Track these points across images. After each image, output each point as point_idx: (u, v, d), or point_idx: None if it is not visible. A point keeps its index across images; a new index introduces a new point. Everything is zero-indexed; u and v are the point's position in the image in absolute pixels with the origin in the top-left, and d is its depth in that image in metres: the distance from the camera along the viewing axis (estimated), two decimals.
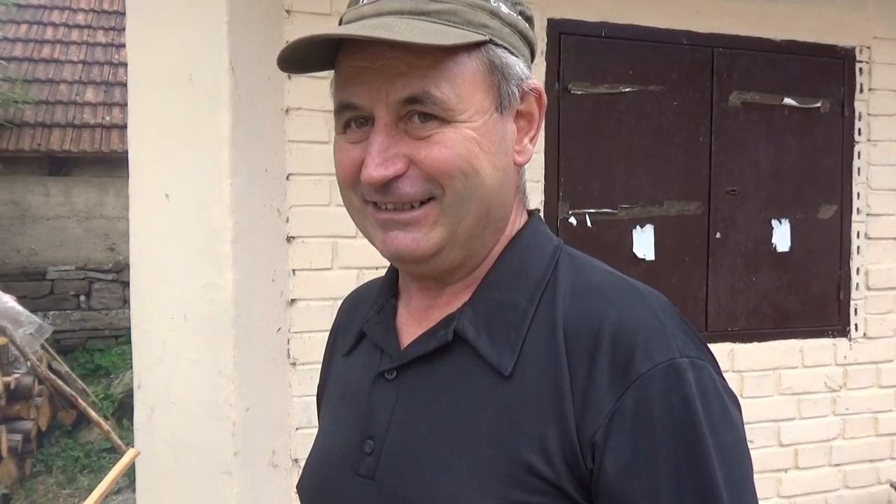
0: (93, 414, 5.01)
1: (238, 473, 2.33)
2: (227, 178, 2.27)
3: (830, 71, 3.16)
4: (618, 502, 0.72)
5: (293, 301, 2.55)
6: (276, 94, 2.48)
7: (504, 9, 0.82)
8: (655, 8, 2.91)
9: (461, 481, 0.76)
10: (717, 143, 3.03)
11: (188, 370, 2.36)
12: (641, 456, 0.72)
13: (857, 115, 3.21)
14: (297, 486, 0.95)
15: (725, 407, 0.76)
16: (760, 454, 3.08)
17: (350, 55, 0.79)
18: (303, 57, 0.81)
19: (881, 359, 3.28)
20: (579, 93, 2.85)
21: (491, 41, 0.79)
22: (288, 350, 2.55)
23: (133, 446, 2.54)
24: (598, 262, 0.88)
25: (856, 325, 3.24)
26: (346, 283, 2.54)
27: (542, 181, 2.79)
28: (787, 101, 3.10)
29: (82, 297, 8.22)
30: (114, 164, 8.19)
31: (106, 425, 5.00)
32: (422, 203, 0.79)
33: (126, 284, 7.98)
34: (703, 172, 3.01)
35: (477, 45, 0.78)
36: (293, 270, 2.55)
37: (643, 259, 2.95)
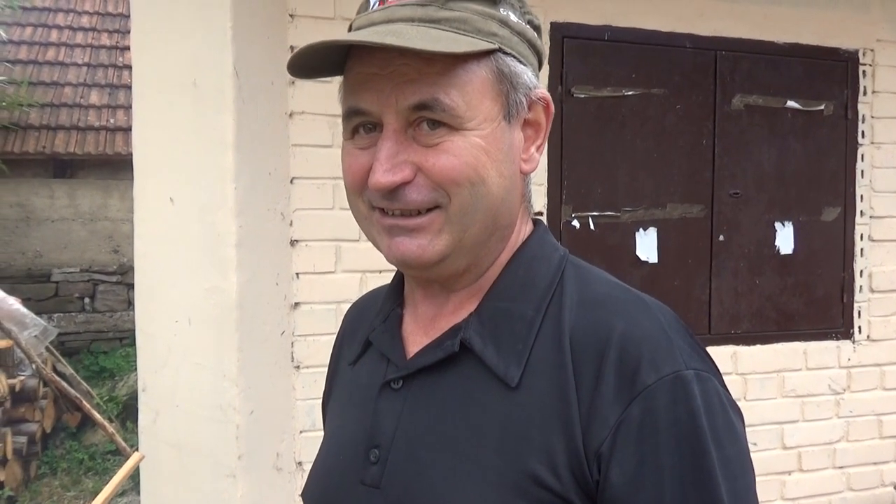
0: (97, 416, 5.02)
1: (242, 476, 2.34)
2: (231, 181, 2.28)
3: (833, 74, 3.16)
4: None
5: (297, 304, 2.55)
6: (280, 98, 2.49)
7: (513, 17, 0.83)
8: (658, 11, 2.92)
9: (467, 491, 0.76)
10: (720, 146, 3.03)
11: (192, 373, 2.37)
12: (647, 467, 0.72)
13: (860, 117, 3.21)
14: (302, 494, 0.95)
15: (730, 420, 0.76)
16: (764, 457, 3.08)
17: (360, 61, 0.79)
18: (313, 63, 0.81)
19: (885, 361, 3.28)
20: (582, 96, 2.85)
21: (500, 50, 0.80)
22: (292, 353, 2.55)
23: (137, 449, 2.55)
24: (604, 273, 0.88)
25: (859, 327, 3.24)
26: (350, 287, 2.55)
27: (546, 184, 2.80)
28: (791, 103, 3.10)
29: (87, 300, 8.24)
30: (118, 167, 8.21)
31: (110, 427, 5.01)
32: (428, 210, 0.79)
33: (130, 286, 7.99)
34: (706, 175, 3.02)
35: (486, 54, 0.79)
36: (297, 274, 2.55)
37: (646, 262, 2.95)
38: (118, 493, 2.34)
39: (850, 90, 3.18)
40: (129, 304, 8.18)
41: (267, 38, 2.43)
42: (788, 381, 3.14)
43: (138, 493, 2.77)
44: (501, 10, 0.81)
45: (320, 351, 2.51)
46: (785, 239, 3.12)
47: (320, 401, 1.13)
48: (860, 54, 3.19)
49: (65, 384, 5.63)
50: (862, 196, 3.23)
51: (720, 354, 3.02)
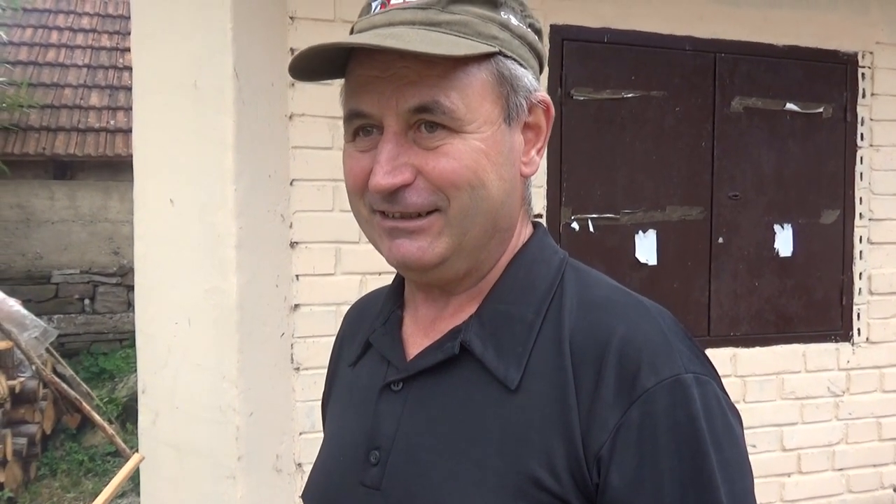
0: (97, 418, 5.02)
1: (242, 478, 2.34)
2: (231, 183, 2.28)
3: (833, 76, 3.16)
4: None
5: (297, 306, 2.56)
6: (280, 101, 2.49)
7: (514, 21, 0.83)
8: (658, 14, 2.92)
9: (467, 493, 0.76)
10: (720, 149, 3.03)
11: (192, 374, 2.37)
12: (646, 471, 0.72)
13: (859, 120, 3.21)
14: (303, 495, 0.95)
15: (729, 423, 0.77)
16: (763, 459, 3.09)
17: (360, 64, 0.79)
18: (314, 65, 0.81)
19: (884, 363, 3.28)
20: (582, 98, 2.86)
21: (500, 53, 0.80)
22: (291, 355, 2.56)
23: (137, 450, 2.55)
24: (604, 276, 0.88)
25: (858, 329, 3.24)
26: (350, 289, 2.55)
27: (545, 186, 2.80)
28: (790, 106, 3.10)
29: (87, 301, 8.25)
30: (118, 168, 8.22)
31: (110, 429, 5.01)
32: (427, 213, 0.79)
33: (130, 288, 8.00)
34: (705, 177, 3.02)
35: (486, 57, 0.79)
36: (297, 275, 2.56)
37: (646, 264, 2.95)
38: (118, 495, 2.34)
39: (849, 93, 3.18)
40: (129, 305, 8.19)
41: (267, 39, 2.44)
42: (788, 384, 3.14)
43: (138, 494, 2.77)
44: (502, 13, 0.82)
45: (320, 353, 2.51)
46: (784, 241, 3.13)
47: (320, 402, 1.13)
48: (859, 57, 3.19)
49: (65, 385, 5.63)
50: (861, 198, 3.23)
51: (719, 356, 3.02)
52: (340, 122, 0.86)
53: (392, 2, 0.80)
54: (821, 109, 3.15)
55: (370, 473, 0.83)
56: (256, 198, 2.37)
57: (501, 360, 0.80)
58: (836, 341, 3.22)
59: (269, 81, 2.43)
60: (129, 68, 8.71)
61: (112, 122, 8.47)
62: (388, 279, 0.99)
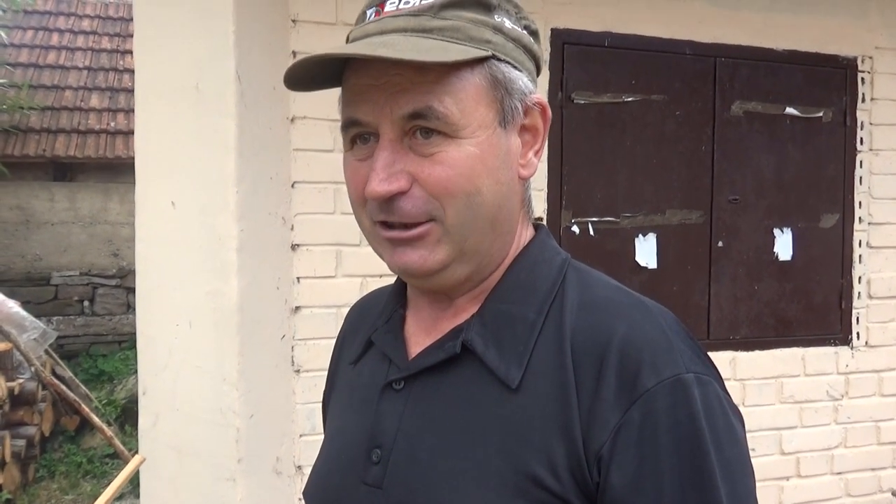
0: (96, 419, 5.02)
1: (242, 480, 2.34)
2: (233, 185, 2.29)
3: (832, 81, 3.17)
4: None
5: (297, 308, 2.56)
6: (282, 103, 2.50)
7: (508, 24, 0.83)
8: (658, 18, 2.93)
9: (468, 492, 0.77)
10: (720, 153, 3.04)
11: (193, 377, 2.37)
12: (647, 470, 0.72)
13: (859, 124, 3.22)
14: (304, 494, 0.95)
15: (730, 423, 0.77)
16: (762, 462, 3.09)
17: (354, 73, 0.80)
18: (311, 74, 0.82)
19: (883, 367, 3.29)
20: (582, 102, 2.86)
21: (493, 56, 0.80)
22: (292, 357, 2.56)
23: (137, 452, 2.55)
24: (605, 277, 0.89)
25: (858, 333, 3.25)
26: (351, 291, 2.56)
27: (545, 190, 2.81)
28: (790, 110, 3.11)
29: (86, 303, 8.24)
30: (118, 170, 8.22)
31: (109, 431, 5.02)
32: (423, 222, 0.80)
33: (130, 290, 8.00)
34: (705, 181, 3.03)
35: (480, 61, 0.79)
36: (298, 278, 2.56)
37: (646, 267, 2.96)
38: (117, 497, 2.34)
39: (848, 97, 3.19)
40: (129, 307, 8.19)
41: (269, 43, 2.45)
42: (787, 387, 3.15)
43: (137, 496, 2.77)
44: (496, 16, 0.82)
45: (320, 355, 2.52)
46: (784, 245, 3.13)
47: (320, 404, 1.14)
48: (859, 61, 3.20)
49: (63, 387, 5.63)
50: (860, 203, 3.24)
51: (719, 360, 3.02)
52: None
53: (386, 9, 0.81)
54: (820, 113, 3.16)
55: (371, 472, 0.83)
56: (258, 200, 2.38)
57: (503, 359, 0.80)
58: (836, 345, 3.22)
59: (271, 84, 2.43)
60: (130, 70, 8.73)
61: (112, 124, 8.47)
62: (388, 282, 1.00)
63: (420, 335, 0.89)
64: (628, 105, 2.92)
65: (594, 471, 0.74)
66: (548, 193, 2.82)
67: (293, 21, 2.52)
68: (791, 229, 3.14)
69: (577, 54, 2.86)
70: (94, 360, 7.83)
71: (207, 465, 2.37)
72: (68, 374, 6.45)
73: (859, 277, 3.25)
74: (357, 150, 0.83)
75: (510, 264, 0.87)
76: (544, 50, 2.79)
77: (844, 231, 3.22)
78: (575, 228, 2.87)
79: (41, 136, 8.15)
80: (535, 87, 0.87)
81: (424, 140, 0.78)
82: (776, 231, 3.12)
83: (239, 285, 2.30)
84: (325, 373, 1.10)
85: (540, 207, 2.79)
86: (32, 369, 5.50)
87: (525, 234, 0.90)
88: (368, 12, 0.83)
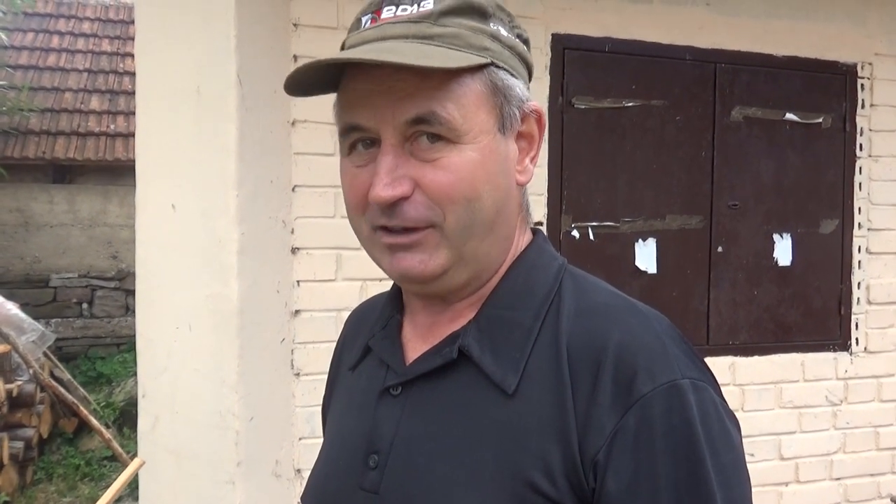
0: (94, 422, 5.02)
1: (241, 483, 2.34)
2: (234, 189, 2.29)
3: (832, 87, 3.18)
4: None
5: (297, 312, 2.56)
6: (283, 107, 2.50)
7: (503, 32, 0.84)
8: (659, 24, 2.94)
9: (464, 497, 0.77)
10: (719, 158, 3.04)
11: (192, 379, 2.38)
12: (643, 476, 0.73)
13: (858, 130, 3.22)
14: (301, 499, 0.96)
15: (726, 429, 0.77)
16: (761, 468, 3.09)
17: (354, 78, 0.80)
18: (309, 80, 0.82)
19: (882, 373, 3.29)
20: (583, 107, 2.87)
21: (492, 63, 0.81)
22: (292, 360, 2.56)
23: (136, 455, 2.55)
24: (601, 282, 0.89)
25: (857, 339, 3.25)
26: (350, 295, 2.56)
27: (545, 194, 2.81)
28: (789, 116, 3.12)
29: (85, 305, 8.24)
30: (117, 173, 8.23)
31: (107, 433, 5.01)
32: (423, 227, 0.80)
33: (128, 292, 8.00)
34: (704, 187, 3.03)
35: (480, 68, 0.80)
36: (298, 281, 2.56)
37: (645, 272, 2.96)
38: (115, 499, 2.34)
39: (848, 103, 3.20)
40: (128, 309, 8.19)
41: (270, 46, 2.45)
42: (786, 393, 3.15)
43: (135, 499, 2.77)
44: (492, 24, 0.83)
45: (320, 358, 2.52)
46: (783, 250, 3.14)
47: (320, 408, 1.14)
48: (858, 68, 3.21)
49: (62, 389, 5.63)
50: (860, 208, 3.24)
51: (718, 365, 3.02)
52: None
53: (383, 16, 0.81)
54: (820, 119, 3.17)
55: (368, 477, 0.84)
56: (258, 204, 2.38)
57: (499, 364, 0.80)
58: (835, 351, 3.23)
59: (272, 88, 2.44)
60: (130, 73, 8.74)
61: (112, 127, 8.48)
62: (388, 285, 1.00)
63: (417, 341, 0.89)
64: (628, 110, 2.93)
65: (590, 476, 0.74)
66: (548, 198, 2.82)
67: (294, 25, 2.52)
68: (790, 235, 3.14)
69: (577, 59, 2.86)
70: (93, 362, 7.82)
71: (206, 469, 2.37)
72: (67, 376, 6.45)
73: (858, 283, 3.25)
74: (356, 155, 0.83)
75: (507, 270, 0.87)
76: (545, 55, 2.81)
77: (844, 237, 3.22)
78: (575, 233, 2.87)
79: (41, 138, 8.15)
80: (530, 94, 0.88)
81: (428, 145, 0.79)
82: (776, 236, 3.13)
83: (239, 288, 2.31)
84: (325, 376, 1.10)
85: (540, 212, 2.79)
86: (31, 371, 5.49)
87: (523, 240, 0.90)
88: (363, 19, 0.83)
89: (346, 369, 1.00)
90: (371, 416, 0.87)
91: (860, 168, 3.24)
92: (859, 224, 3.25)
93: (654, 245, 2.97)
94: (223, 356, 2.33)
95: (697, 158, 3.02)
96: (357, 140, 0.82)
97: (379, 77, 0.78)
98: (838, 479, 3.23)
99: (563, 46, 2.84)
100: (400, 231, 0.80)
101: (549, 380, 0.78)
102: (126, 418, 6.19)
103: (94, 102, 8.69)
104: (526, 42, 0.89)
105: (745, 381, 3.09)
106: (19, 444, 5.33)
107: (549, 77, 2.81)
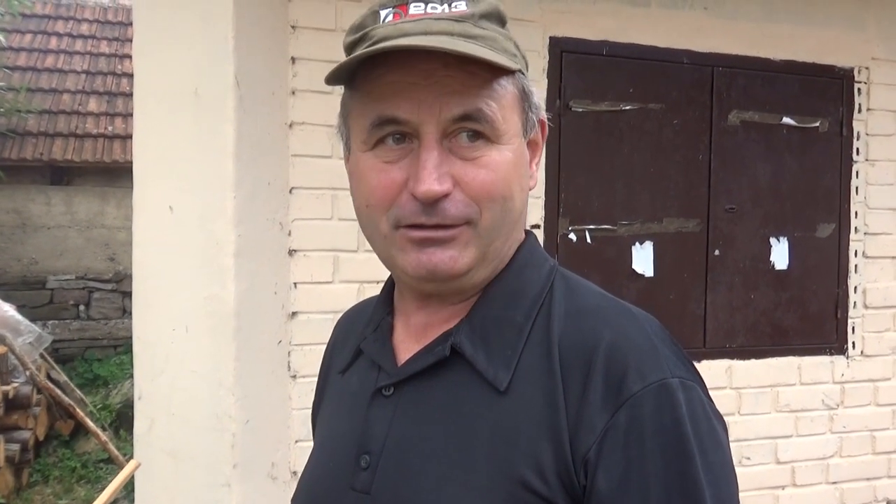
0: (91, 424, 5.01)
1: (237, 486, 2.34)
2: (231, 191, 2.29)
3: (829, 91, 3.19)
4: None
5: (294, 314, 2.56)
6: (281, 109, 2.50)
7: (518, 43, 0.87)
8: (656, 27, 2.95)
9: (456, 496, 0.77)
10: (717, 161, 3.05)
11: (189, 381, 2.37)
12: (633, 473, 0.73)
13: (855, 134, 3.23)
14: (292, 502, 0.96)
15: (713, 427, 0.78)
16: (758, 471, 3.09)
17: (393, 70, 0.78)
18: (344, 68, 0.80)
19: (878, 377, 3.29)
20: (580, 110, 2.87)
21: (521, 70, 0.83)
22: (288, 363, 2.56)
23: (132, 457, 2.54)
24: (591, 284, 0.90)
25: (853, 343, 3.26)
26: (347, 297, 2.55)
27: (543, 197, 2.81)
28: (786, 120, 3.12)
29: (82, 307, 8.23)
30: (115, 174, 8.22)
31: (103, 436, 5.01)
32: (461, 224, 0.80)
33: (126, 294, 7.99)
34: (702, 190, 3.04)
35: (512, 71, 0.82)
36: (295, 283, 2.56)
37: (642, 275, 2.96)
38: (111, 502, 2.34)
39: (845, 107, 3.21)
40: (124, 311, 8.17)
41: (268, 48, 2.45)
42: (782, 396, 3.15)
43: (131, 501, 2.76)
44: (510, 33, 0.85)
45: (317, 361, 2.49)
46: (780, 254, 3.14)
47: (311, 414, 1.14)
48: (855, 72, 3.22)
49: (58, 391, 5.62)
50: (856, 213, 3.25)
51: (715, 368, 3.03)
52: (351, 130, 0.86)
53: (411, 12, 0.80)
54: (817, 124, 3.17)
55: (360, 478, 0.84)
56: (255, 206, 2.38)
57: (491, 362, 0.81)
58: (831, 354, 3.23)
59: (270, 90, 2.44)
60: (128, 75, 8.74)
61: (110, 129, 8.47)
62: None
63: (409, 341, 0.89)
64: (626, 113, 2.93)
65: (581, 474, 0.75)
66: (545, 201, 2.82)
67: (293, 27, 2.53)
68: (787, 239, 3.15)
69: (575, 63, 2.87)
70: (90, 364, 7.81)
71: (203, 471, 2.36)
72: (63, 378, 6.44)
73: (855, 287, 3.26)
74: (384, 150, 0.81)
75: (500, 270, 0.88)
76: (542, 58, 2.81)
77: (840, 241, 3.23)
78: (572, 236, 2.88)
79: (38, 139, 8.14)
80: None
81: (468, 143, 0.79)
82: (772, 240, 3.13)
83: (236, 290, 2.30)
84: (316, 383, 1.10)
85: (537, 214, 2.79)
86: (27, 373, 5.48)
87: (519, 242, 0.91)
88: (383, 13, 0.81)
89: (335, 373, 1.00)
90: (363, 417, 0.87)
91: (857, 172, 3.25)
92: (856, 228, 3.25)
93: (651, 248, 2.97)
94: (220, 358, 2.33)
95: (694, 162, 3.03)
96: (389, 134, 0.80)
97: (424, 71, 0.77)
98: (835, 482, 3.23)
99: (561, 50, 2.84)
100: (430, 227, 0.80)
101: (541, 378, 0.79)
102: (123, 420, 6.18)
103: (93, 104, 8.69)
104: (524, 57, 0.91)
105: (741, 384, 3.09)
106: (15, 447, 5.32)
107: (546, 80, 2.82)
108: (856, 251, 3.26)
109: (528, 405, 0.78)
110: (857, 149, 3.24)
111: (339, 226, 2.56)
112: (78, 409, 5.30)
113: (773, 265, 3.14)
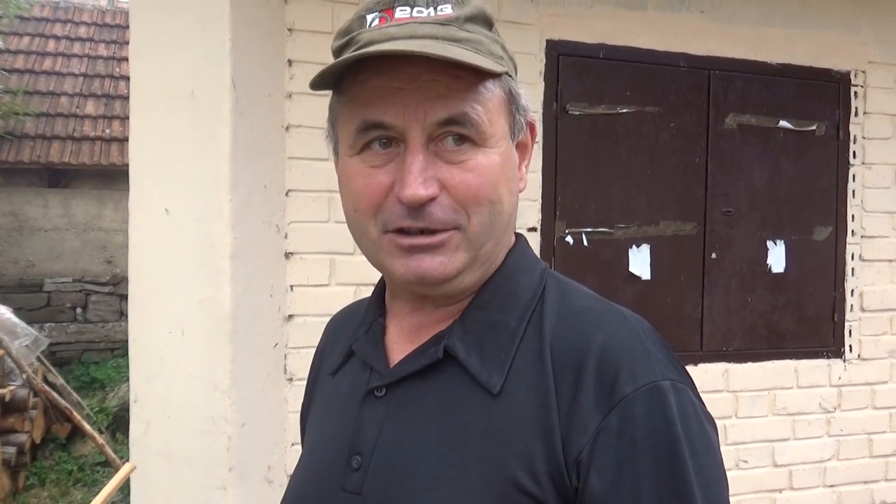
0: (87, 427, 5.01)
1: (233, 489, 2.33)
2: (227, 193, 2.29)
3: (826, 94, 3.19)
4: None
5: (290, 317, 2.56)
6: (277, 112, 2.50)
7: (506, 45, 0.87)
8: (653, 30, 2.95)
9: (448, 498, 0.77)
10: (713, 165, 3.05)
11: (185, 384, 2.37)
12: (624, 475, 0.74)
13: (851, 138, 3.24)
14: (282, 503, 0.95)
15: (704, 429, 0.79)
16: (755, 474, 3.09)
17: (379, 75, 0.78)
18: (329, 73, 0.80)
19: (875, 380, 3.29)
20: (577, 113, 2.87)
21: (507, 72, 0.83)
22: (285, 365, 2.55)
23: (128, 460, 2.54)
24: (583, 287, 0.90)
25: (850, 346, 3.26)
26: (344, 300, 2.53)
27: (540, 200, 2.81)
28: (783, 123, 3.13)
29: (79, 310, 8.22)
30: (112, 177, 8.22)
31: (100, 439, 5.00)
32: (449, 229, 0.80)
33: (123, 297, 7.98)
34: (698, 193, 3.04)
35: (498, 74, 0.81)
36: (291, 286, 2.56)
37: (639, 279, 2.96)
38: None
39: (841, 111, 3.21)
40: (122, 314, 8.16)
41: (265, 51, 2.45)
42: (780, 399, 3.15)
43: None
44: (497, 35, 0.85)
45: None
46: (777, 257, 3.14)
47: (300, 416, 1.14)
48: (852, 75, 3.22)
49: (55, 394, 5.62)
50: (853, 216, 3.25)
51: (712, 372, 3.03)
52: (337, 135, 0.86)
53: (396, 16, 0.80)
54: (814, 127, 3.18)
55: (351, 479, 0.83)
56: (252, 208, 2.38)
57: (484, 365, 0.81)
58: (828, 358, 3.23)
59: (267, 92, 2.44)
60: (126, 78, 8.74)
61: (107, 131, 8.47)
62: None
63: (402, 343, 0.89)
64: (623, 116, 2.93)
65: (573, 476, 0.75)
66: (542, 204, 2.82)
67: (289, 30, 2.53)
68: (784, 242, 3.15)
69: (572, 65, 2.87)
70: (87, 367, 7.80)
71: (198, 474, 2.36)
72: (60, 381, 6.42)
73: (852, 290, 3.26)
74: (370, 154, 0.81)
75: (492, 272, 0.88)
76: (539, 61, 2.81)
77: (837, 244, 3.23)
78: (569, 239, 2.87)
79: (36, 142, 8.14)
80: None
81: (454, 147, 0.79)
82: (769, 243, 3.13)
83: (232, 293, 2.30)
84: (306, 385, 1.10)
85: (534, 217, 2.79)
86: (24, 376, 5.47)
87: (510, 245, 0.91)
88: (369, 17, 0.82)
89: (326, 375, 1.00)
90: (354, 418, 0.87)
91: (853, 175, 3.25)
92: (852, 231, 3.25)
93: (648, 251, 2.97)
94: (216, 361, 2.32)
95: (691, 165, 3.03)
96: (376, 138, 0.80)
97: (410, 75, 0.77)
98: (832, 486, 3.23)
99: (558, 53, 2.85)
100: (417, 233, 0.80)
101: (534, 381, 0.79)
102: (119, 423, 6.17)
103: (90, 107, 8.69)
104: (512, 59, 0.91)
105: (738, 387, 3.09)
106: (12, 450, 5.30)
107: (543, 83, 2.82)
108: (852, 254, 3.26)
109: (521, 407, 0.78)
110: (854, 152, 3.24)
111: (336, 228, 2.56)
112: (75, 412, 5.29)
113: (770, 268, 3.14)
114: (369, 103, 0.79)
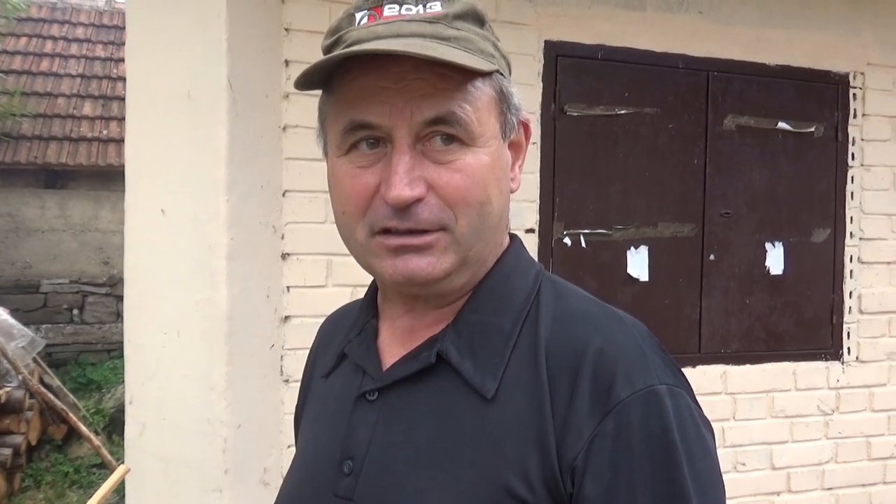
0: (83, 429, 4.99)
1: (228, 491, 2.32)
2: (224, 194, 2.28)
3: (824, 96, 3.19)
4: None
5: (287, 318, 2.55)
6: (274, 112, 2.49)
7: (499, 44, 0.85)
8: (652, 31, 2.94)
9: (440, 502, 0.76)
10: (712, 166, 3.04)
11: (181, 386, 2.35)
12: (620, 481, 0.72)
13: (850, 139, 3.23)
14: None
15: (701, 434, 0.77)
16: (753, 477, 3.08)
17: (365, 74, 0.78)
18: (314, 72, 0.79)
19: (874, 382, 3.29)
20: (575, 114, 2.87)
21: (498, 70, 0.82)
22: (281, 367, 2.54)
23: (123, 462, 2.52)
24: (579, 289, 0.89)
25: (848, 348, 3.25)
26: (340, 301, 2.51)
27: (538, 201, 2.80)
28: (782, 125, 3.12)
29: (75, 311, 8.20)
30: (110, 178, 8.20)
31: (96, 440, 4.99)
32: (436, 230, 0.79)
33: (119, 298, 7.96)
34: (697, 195, 3.03)
35: (490, 73, 0.80)
36: (287, 287, 2.55)
37: (637, 280, 2.95)
38: None
39: (840, 112, 3.21)
40: (118, 316, 8.14)
41: (262, 51, 2.44)
42: (778, 402, 3.14)
43: None
44: (489, 33, 0.84)
45: None
46: (775, 259, 3.14)
47: (294, 419, 1.13)
48: (851, 77, 3.22)
49: (51, 396, 5.60)
50: (852, 218, 3.25)
51: (710, 374, 3.02)
52: (327, 136, 0.85)
53: (385, 14, 0.79)
54: (812, 129, 3.17)
55: (343, 484, 0.82)
56: (248, 209, 2.37)
57: (478, 369, 0.80)
58: (827, 360, 3.22)
59: (264, 93, 2.43)
60: (123, 79, 8.71)
61: (105, 132, 8.46)
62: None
63: (395, 345, 0.88)
64: (621, 118, 2.93)
65: (568, 482, 0.74)
66: (540, 205, 2.81)
67: (286, 29, 2.52)
68: (782, 244, 3.14)
69: (570, 66, 2.86)
70: (83, 368, 7.78)
71: (194, 476, 2.35)
72: (56, 382, 6.41)
73: (850, 292, 3.25)
74: (358, 155, 0.80)
75: (486, 274, 0.87)
76: (538, 62, 2.81)
77: (836, 246, 3.23)
78: (567, 240, 2.87)
79: (33, 143, 8.13)
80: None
81: (443, 147, 0.78)
82: (768, 245, 3.13)
83: (228, 294, 2.29)
84: (299, 388, 1.09)
85: (532, 219, 2.78)
86: (20, 377, 5.46)
87: (503, 246, 0.90)
88: (358, 15, 0.81)
89: (319, 377, 0.99)
90: (346, 421, 0.86)
91: (852, 177, 3.25)
92: (851, 233, 3.25)
93: (647, 253, 2.96)
94: (212, 362, 2.31)
95: (690, 166, 3.02)
96: (363, 138, 0.79)
97: (396, 74, 0.76)
98: (830, 488, 3.23)
99: (556, 53, 2.84)
100: (404, 234, 0.78)
101: (528, 385, 0.78)
102: (116, 425, 6.15)
103: (87, 108, 8.67)
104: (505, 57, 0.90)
105: (736, 389, 3.08)
106: (7, 451, 5.29)
107: (541, 84, 2.81)
108: (851, 256, 3.25)
109: (515, 412, 0.77)
110: (853, 154, 3.24)
111: (333, 229, 2.52)
112: (71, 414, 5.28)
113: (769, 270, 3.13)
114: (356, 103, 0.79)
